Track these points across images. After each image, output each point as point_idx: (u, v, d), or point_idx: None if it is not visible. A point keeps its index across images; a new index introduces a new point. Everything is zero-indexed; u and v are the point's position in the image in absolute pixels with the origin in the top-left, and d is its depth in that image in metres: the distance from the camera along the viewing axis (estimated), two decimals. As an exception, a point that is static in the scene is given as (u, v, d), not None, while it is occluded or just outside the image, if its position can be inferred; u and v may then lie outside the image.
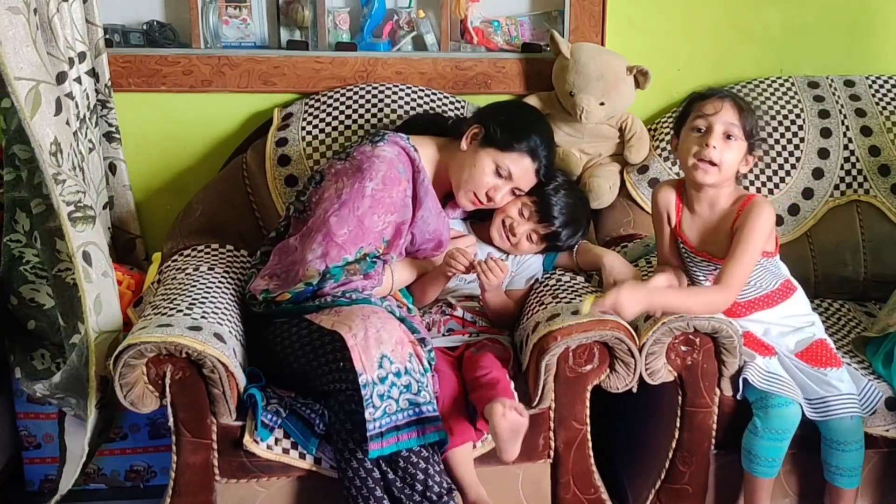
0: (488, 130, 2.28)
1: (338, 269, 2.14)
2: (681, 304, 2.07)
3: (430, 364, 2.06)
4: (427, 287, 2.35)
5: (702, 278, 2.24)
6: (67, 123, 2.11)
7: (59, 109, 2.06)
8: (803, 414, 2.12)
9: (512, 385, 2.10)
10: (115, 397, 2.22)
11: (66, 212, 2.05)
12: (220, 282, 2.29)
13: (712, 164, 2.09)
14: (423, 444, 1.97)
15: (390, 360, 1.96)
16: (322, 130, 2.63)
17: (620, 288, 1.99)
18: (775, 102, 2.75)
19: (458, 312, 2.35)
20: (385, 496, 1.95)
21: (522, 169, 2.28)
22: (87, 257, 2.09)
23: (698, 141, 2.11)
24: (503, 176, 2.28)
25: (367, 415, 1.91)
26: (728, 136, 2.10)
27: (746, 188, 2.61)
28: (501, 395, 2.02)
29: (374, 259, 2.19)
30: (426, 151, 2.33)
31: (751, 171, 2.33)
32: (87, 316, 2.09)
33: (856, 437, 2.12)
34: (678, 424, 2.18)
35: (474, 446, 2.10)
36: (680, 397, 2.17)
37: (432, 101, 2.69)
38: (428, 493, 1.96)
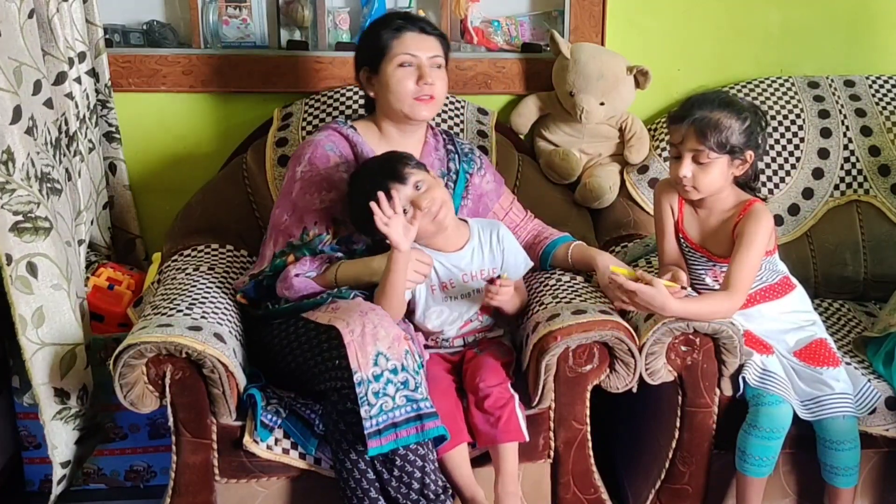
0: (366, 59, 2.29)
1: (280, 261, 2.19)
2: (695, 310, 2.08)
3: (421, 364, 2.05)
4: (386, 295, 2.10)
5: (701, 272, 2.25)
6: (28, 133, 2.07)
7: (17, 118, 2.03)
8: (796, 414, 2.12)
9: (519, 412, 2.07)
10: (89, 406, 2.22)
11: (12, 221, 2.04)
12: (220, 282, 2.29)
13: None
14: (422, 441, 1.95)
15: (386, 357, 1.95)
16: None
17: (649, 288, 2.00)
18: (775, 102, 2.75)
19: (460, 342, 2.27)
20: (380, 497, 1.95)
21: (415, 42, 2.25)
22: (31, 268, 2.08)
23: (673, 166, 2.15)
24: (411, 64, 2.25)
25: (362, 412, 1.90)
26: (698, 161, 2.11)
27: (765, 198, 2.40)
28: (503, 436, 2.03)
29: (318, 247, 2.19)
30: (366, 126, 2.33)
31: (759, 170, 2.30)
32: (19, 327, 2.09)
33: (850, 437, 2.12)
34: (678, 424, 2.18)
35: (471, 446, 2.10)
36: (680, 397, 2.17)
37: (432, 101, 2.69)
38: (425, 492, 1.96)
